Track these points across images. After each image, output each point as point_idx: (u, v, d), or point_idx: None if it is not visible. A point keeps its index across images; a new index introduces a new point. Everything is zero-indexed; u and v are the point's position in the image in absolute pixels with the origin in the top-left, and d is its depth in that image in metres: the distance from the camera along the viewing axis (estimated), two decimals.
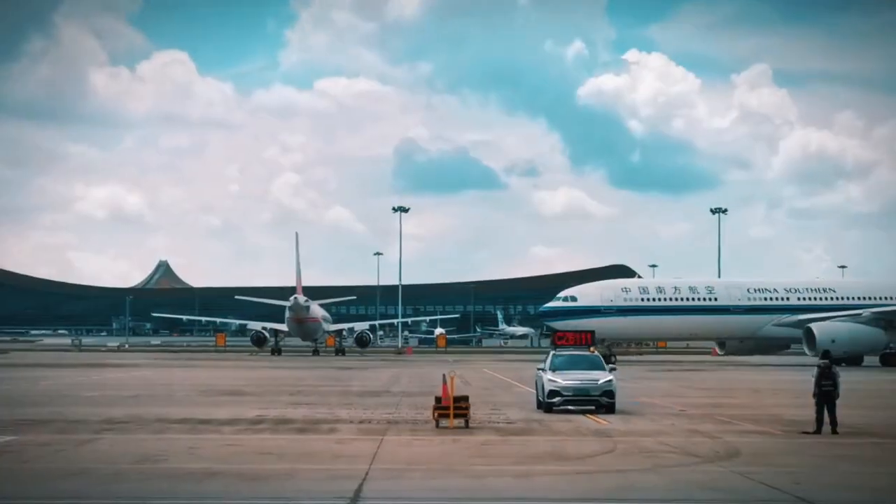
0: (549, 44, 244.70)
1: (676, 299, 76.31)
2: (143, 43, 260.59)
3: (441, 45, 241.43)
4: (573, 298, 75.08)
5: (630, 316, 74.11)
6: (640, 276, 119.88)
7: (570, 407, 28.50)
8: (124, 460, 18.75)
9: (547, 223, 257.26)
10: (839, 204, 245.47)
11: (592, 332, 33.70)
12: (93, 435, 23.00)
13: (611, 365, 29.36)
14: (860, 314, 73.27)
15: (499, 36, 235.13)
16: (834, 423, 23.65)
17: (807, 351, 71.36)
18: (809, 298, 78.39)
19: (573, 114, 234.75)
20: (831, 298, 78.58)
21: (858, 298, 77.96)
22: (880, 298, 77.68)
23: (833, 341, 68.43)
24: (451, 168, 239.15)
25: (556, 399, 28.53)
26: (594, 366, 29.71)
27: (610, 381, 28.66)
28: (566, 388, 28.47)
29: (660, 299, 76.05)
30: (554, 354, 30.52)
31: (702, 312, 76.19)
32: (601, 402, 28.52)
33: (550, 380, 28.69)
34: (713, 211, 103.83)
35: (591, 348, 32.44)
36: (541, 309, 79.84)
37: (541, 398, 29.69)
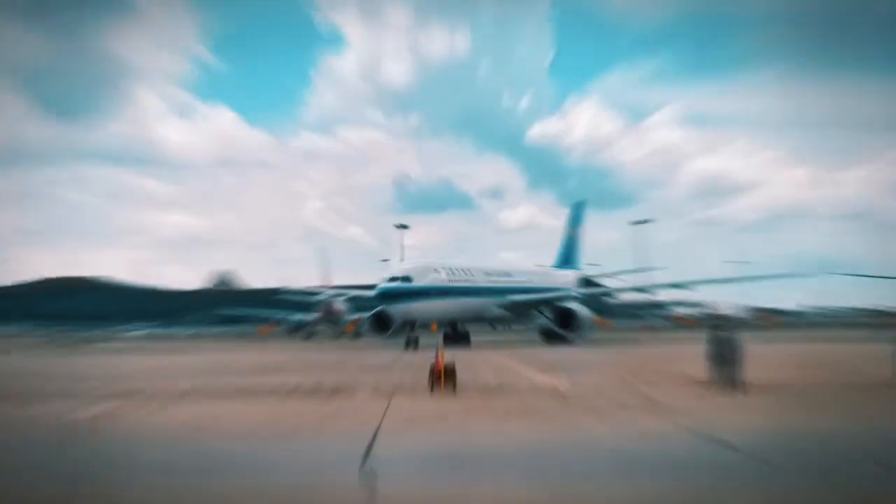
0: (506, 97, 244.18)
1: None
2: (199, 105, 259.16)
3: (426, 101, 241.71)
4: (408, 279, 55.92)
5: (447, 298, 58.43)
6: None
7: None
8: (194, 423, 18.96)
9: (510, 234, 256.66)
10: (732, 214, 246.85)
11: None
12: (176, 399, 23.20)
13: None
14: (573, 296, 65.36)
15: (468, 92, 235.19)
16: (734, 380, 23.58)
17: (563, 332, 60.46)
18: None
19: (526, 150, 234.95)
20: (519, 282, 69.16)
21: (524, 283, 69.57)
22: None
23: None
24: (437, 194, 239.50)
25: None
26: None
27: None
28: None
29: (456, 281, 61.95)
30: None
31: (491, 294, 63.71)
32: None
33: None
34: (634, 223, 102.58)
35: None
36: (379, 290, 55.71)
37: None
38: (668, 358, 41.10)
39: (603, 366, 35.09)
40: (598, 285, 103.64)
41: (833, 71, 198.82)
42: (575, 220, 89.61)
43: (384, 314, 60.89)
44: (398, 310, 56.22)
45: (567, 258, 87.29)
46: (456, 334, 65.45)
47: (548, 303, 67.56)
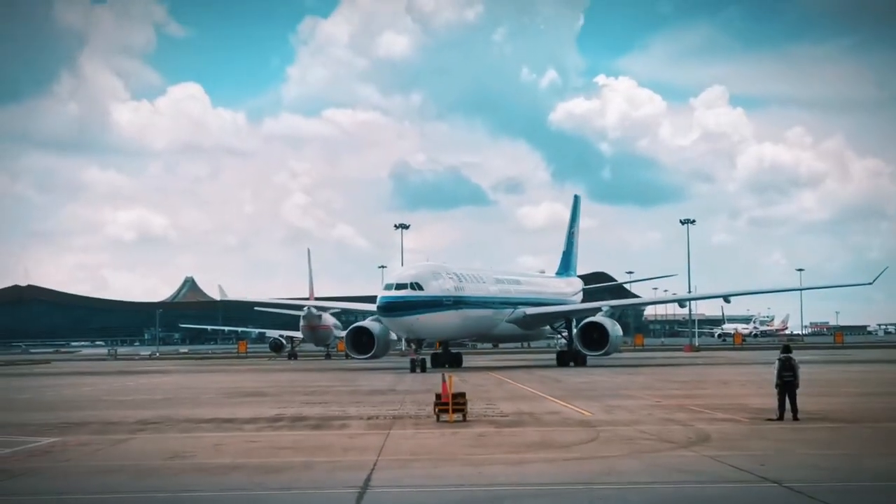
0: (525, 71, 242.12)
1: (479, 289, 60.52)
2: (158, 80, 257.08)
3: (430, 77, 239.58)
4: (418, 286, 53.37)
5: (461, 309, 56.25)
6: (615, 281, 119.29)
7: None
8: (156, 457, 18.70)
9: (532, 235, 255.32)
10: (794, 212, 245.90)
11: None
12: (128, 435, 22.93)
13: None
14: (600, 308, 64.94)
15: (480, 66, 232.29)
16: (795, 410, 23.64)
17: (582, 350, 59.35)
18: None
19: (550, 135, 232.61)
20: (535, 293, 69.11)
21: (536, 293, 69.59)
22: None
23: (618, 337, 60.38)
24: (443, 187, 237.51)
25: None
26: None
27: None
28: None
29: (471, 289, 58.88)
30: None
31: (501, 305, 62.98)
32: None
33: None
34: (682, 222, 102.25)
35: None
36: (382, 300, 53.27)
37: None
38: (718, 383, 40.87)
39: (639, 391, 34.83)
40: (630, 294, 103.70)
41: None
42: (572, 218, 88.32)
43: (365, 331, 59.70)
44: (402, 325, 53.60)
45: (566, 263, 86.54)
46: (447, 354, 63.44)
47: (568, 316, 67.31)
